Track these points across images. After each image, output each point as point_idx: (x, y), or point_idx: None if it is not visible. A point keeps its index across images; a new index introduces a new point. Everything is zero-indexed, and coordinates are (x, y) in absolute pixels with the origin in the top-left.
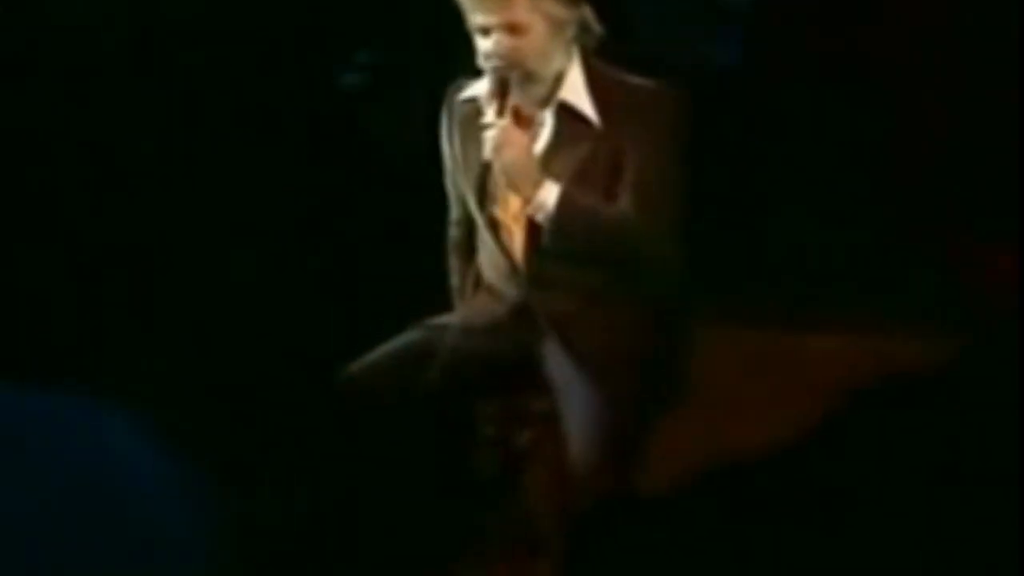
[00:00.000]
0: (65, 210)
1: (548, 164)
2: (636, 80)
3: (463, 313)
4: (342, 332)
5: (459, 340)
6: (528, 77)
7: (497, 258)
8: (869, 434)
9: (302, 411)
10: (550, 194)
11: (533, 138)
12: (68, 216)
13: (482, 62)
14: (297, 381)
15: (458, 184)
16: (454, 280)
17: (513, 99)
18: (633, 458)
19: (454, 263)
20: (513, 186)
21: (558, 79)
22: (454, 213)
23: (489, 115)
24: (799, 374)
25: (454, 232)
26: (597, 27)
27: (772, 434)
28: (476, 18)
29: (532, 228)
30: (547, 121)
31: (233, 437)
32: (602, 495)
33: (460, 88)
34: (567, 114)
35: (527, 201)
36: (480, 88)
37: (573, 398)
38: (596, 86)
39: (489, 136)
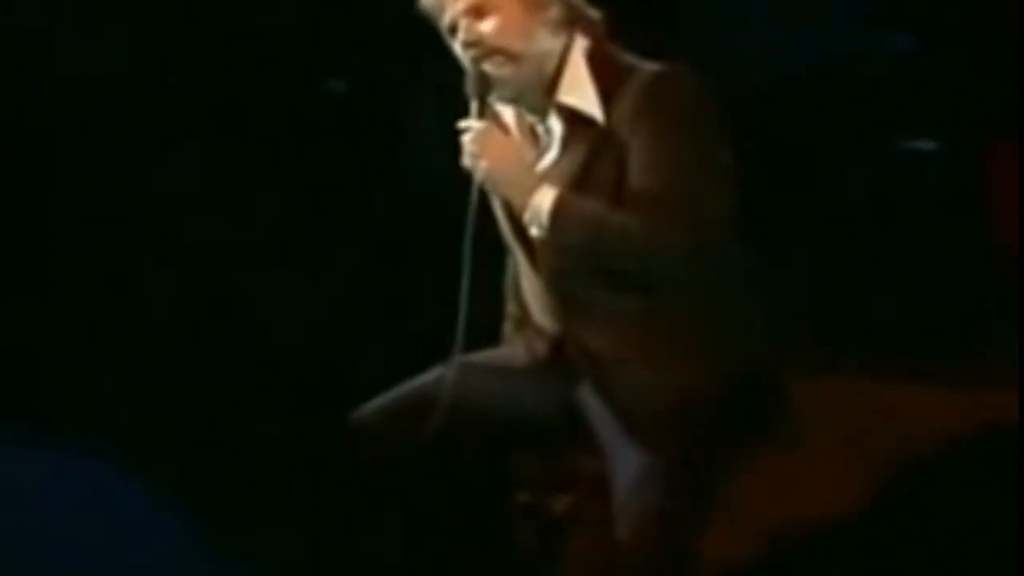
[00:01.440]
0: (52, 241)
1: (554, 172)
2: (647, 65)
3: (493, 352)
4: (349, 369)
5: (467, 383)
6: (513, 62)
7: (535, 285)
8: (953, 488)
9: (305, 462)
10: (545, 200)
11: (542, 151)
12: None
13: (463, 60)
14: (300, 427)
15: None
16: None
17: (512, 104)
18: (693, 525)
19: (507, 303)
20: (503, 196)
21: (554, 81)
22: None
23: (469, 119)
24: (882, 426)
25: (509, 265)
26: (592, 13)
27: (852, 488)
28: (445, 18)
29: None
30: (554, 129)
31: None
32: (656, 570)
33: None
34: (571, 116)
35: (522, 211)
36: (493, 96)
37: (619, 456)
38: (603, 78)
39: (465, 140)
